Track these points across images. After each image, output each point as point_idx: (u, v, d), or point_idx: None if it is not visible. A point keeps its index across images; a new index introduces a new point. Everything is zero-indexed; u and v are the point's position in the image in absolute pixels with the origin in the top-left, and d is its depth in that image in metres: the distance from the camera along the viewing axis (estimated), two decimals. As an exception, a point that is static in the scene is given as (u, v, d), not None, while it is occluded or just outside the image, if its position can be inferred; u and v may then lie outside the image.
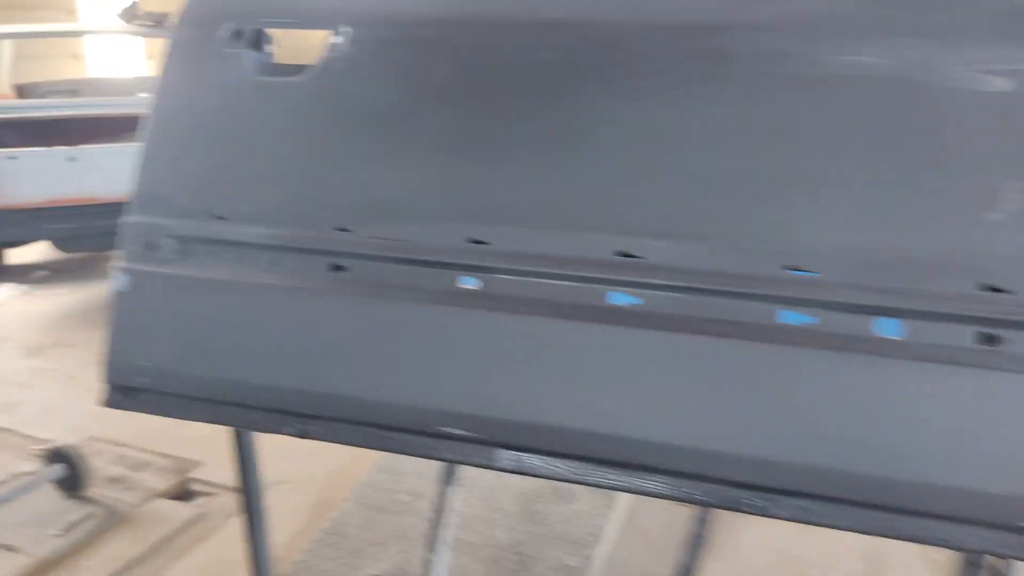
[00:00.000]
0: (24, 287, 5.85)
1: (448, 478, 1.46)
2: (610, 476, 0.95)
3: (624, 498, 2.92)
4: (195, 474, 3.38)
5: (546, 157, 1.07)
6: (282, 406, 1.13)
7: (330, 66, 1.22)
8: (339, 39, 1.23)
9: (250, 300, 1.16)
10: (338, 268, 1.14)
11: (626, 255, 1.01)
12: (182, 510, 3.15)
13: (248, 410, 1.14)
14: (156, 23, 6.47)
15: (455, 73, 1.17)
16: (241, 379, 1.15)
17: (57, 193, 4.95)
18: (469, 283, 1.06)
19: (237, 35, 1.29)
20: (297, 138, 1.22)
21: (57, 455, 3.18)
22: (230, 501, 3.18)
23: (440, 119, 1.17)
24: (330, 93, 1.22)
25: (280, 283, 1.15)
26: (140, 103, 6.50)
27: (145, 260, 1.22)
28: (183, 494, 3.30)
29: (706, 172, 1.01)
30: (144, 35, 6.68)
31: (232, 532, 2.98)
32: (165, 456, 3.50)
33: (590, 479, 0.97)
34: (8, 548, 2.85)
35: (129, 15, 6.38)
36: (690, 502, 1.00)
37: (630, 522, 2.84)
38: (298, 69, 1.26)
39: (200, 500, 3.23)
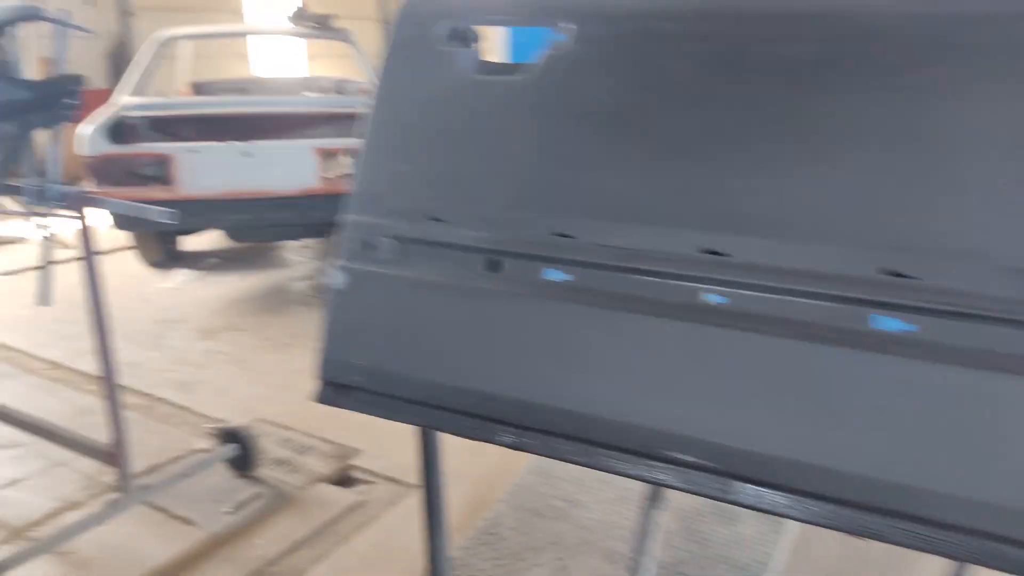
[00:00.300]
0: (198, 273, 6.27)
1: (654, 501, 1.39)
2: (892, 525, 0.85)
3: (793, 524, 2.75)
4: (355, 461, 3.47)
5: (805, 160, 0.97)
6: (497, 415, 1.09)
7: (552, 64, 1.17)
8: (562, 36, 1.18)
9: (466, 304, 1.13)
10: (559, 276, 1.09)
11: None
12: (344, 496, 3.24)
13: (462, 416, 1.11)
14: (321, 24, 6.77)
15: (692, 69, 1.09)
16: (455, 384, 1.12)
17: (232, 186, 5.25)
18: (714, 299, 0.98)
19: (454, 33, 1.27)
20: (515, 139, 1.18)
21: (230, 435, 3.35)
22: (388, 490, 3.25)
23: (670, 119, 1.09)
24: (551, 92, 1.17)
25: (497, 288, 1.12)
26: (309, 102, 6.79)
27: (362, 259, 1.22)
28: (344, 480, 3.40)
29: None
30: (310, 36, 7.00)
31: (391, 521, 3.05)
32: (327, 442, 3.62)
33: (854, 526, 0.86)
34: (186, 521, 3.03)
35: (297, 17, 6.70)
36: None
37: (800, 552, 2.66)
38: (516, 68, 1.22)
39: (360, 487, 3.31)
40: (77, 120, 2.42)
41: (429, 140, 1.23)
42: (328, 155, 5.52)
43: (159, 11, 10.53)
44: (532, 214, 1.12)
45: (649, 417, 0.98)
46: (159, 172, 5.21)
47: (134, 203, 2.51)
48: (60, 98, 2.36)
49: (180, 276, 6.16)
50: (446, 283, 1.15)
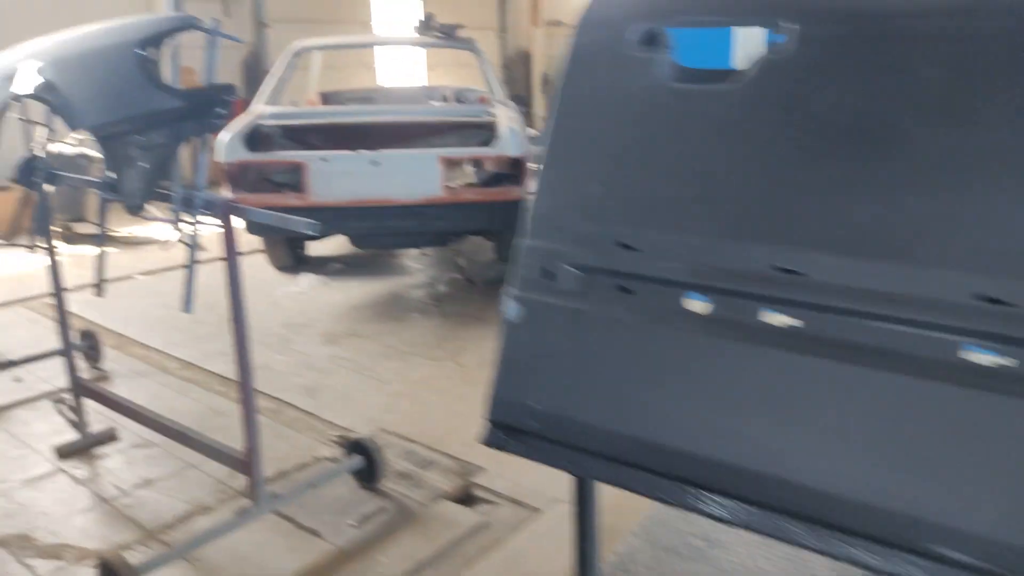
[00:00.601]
0: (322, 278, 6.38)
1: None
2: None
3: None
4: (478, 479, 3.37)
5: None
6: (701, 480, 0.93)
7: (771, 71, 1.00)
8: (781, 38, 1.01)
9: (663, 347, 0.98)
10: (783, 320, 0.91)
11: None
12: (467, 516, 3.14)
13: (658, 477, 0.96)
14: (447, 34, 6.78)
15: (948, 74, 0.89)
16: (650, 439, 0.97)
17: (359, 194, 5.30)
18: (992, 358, 0.78)
19: (648, 37, 1.12)
20: (725, 157, 1.01)
21: (356, 447, 3.32)
22: (512, 513, 3.13)
23: (923, 134, 0.89)
24: (769, 103, 1.00)
25: (703, 330, 0.95)
26: (435, 112, 6.78)
27: (540, 289, 1.08)
28: (466, 498, 3.31)
29: None
30: (437, 46, 7.03)
31: (518, 547, 2.92)
32: (449, 457, 3.54)
33: None
34: (312, 532, 3.00)
35: (425, 26, 6.74)
36: None
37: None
38: (724, 75, 1.05)
39: (483, 507, 3.21)
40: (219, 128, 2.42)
41: (620, 157, 1.09)
42: (452, 164, 5.49)
43: (291, 23, 10.93)
44: (747, 244, 0.96)
45: (909, 501, 0.80)
46: (292, 180, 5.33)
47: (279, 214, 2.50)
48: (212, 107, 2.37)
49: (306, 281, 6.28)
50: (639, 321, 1.00)
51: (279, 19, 10.86)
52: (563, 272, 1.07)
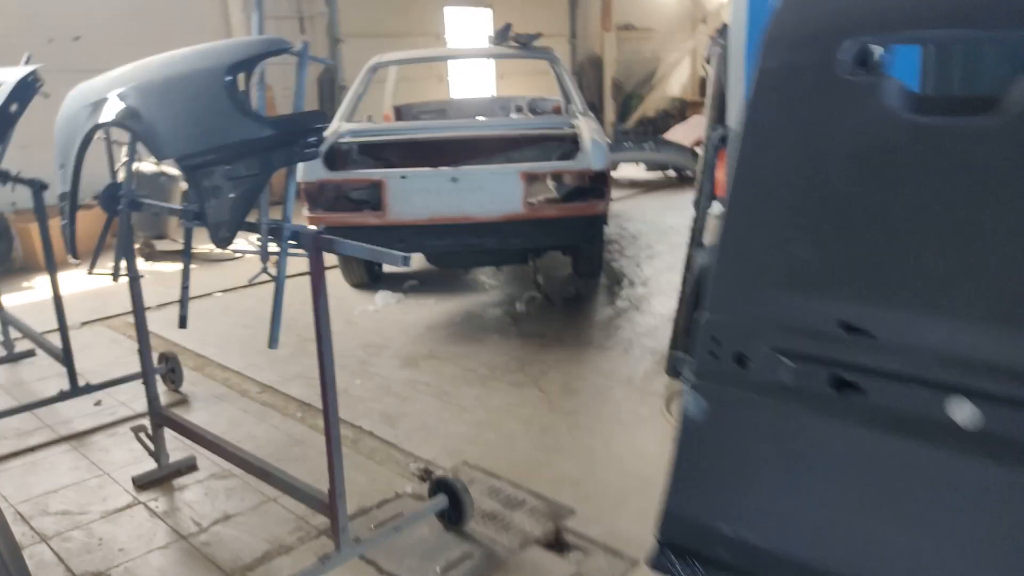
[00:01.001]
0: (398, 295, 6.26)
1: None
2: None
3: None
4: (569, 522, 3.15)
5: None
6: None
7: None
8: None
9: (915, 469, 0.74)
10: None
11: None
12: (559, 566, 2.93)
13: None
14: (524, 44, 6.60)
15: None
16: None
17: (438, 211, 5.15)
18: None
19: (863, 57, 0.88)
20: (997, 212, 0.77)
21: (441, 485, 3.13)
22: (608, 563, 2.90)
23: None
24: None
25: (975, 451, 0.71)
26: (516, 125, 6.55)
27: (729, 379, 0.86)
28: (557, 544, 3.09)
29: None
30: (515, 56, 6.86)
31: (617, 607, 2.69)
32: (537, 496, 3.33)
33: None
34: (397, 578, 2.83)
35: (501, 37, 6.57)
36: None
37: None
38: (979, 103, 0.80)
39: (575, 555, 2.98)
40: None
41: (839, 210, 0.85)
42: (533, 179, 5.30)
43: (365, 37, 10.94)
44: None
45: None
46: (370, 198, 5.21)
47: (371, 247, 2.33)
48: (303, 136, 2.22)
49: (381, 299, 6.17)
50: (874, 431, 0.76)
51: (353, 34, 10.88)
52: (762, 358, 0.84)
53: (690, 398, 0.90)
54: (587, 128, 5.46)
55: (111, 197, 3.14)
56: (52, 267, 4.01)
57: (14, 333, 5.07)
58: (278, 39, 2.26)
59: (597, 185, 5.28)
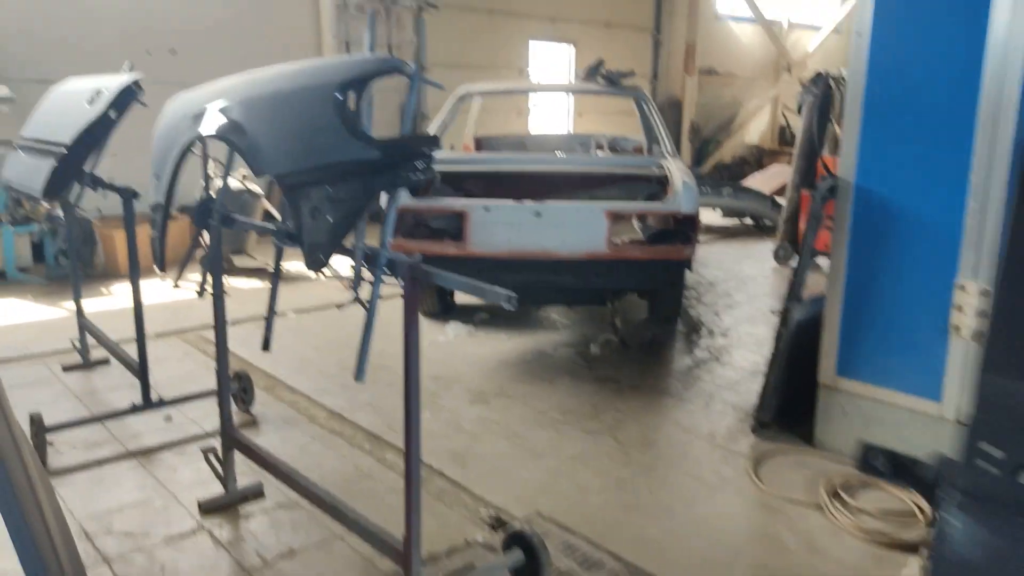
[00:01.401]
0: (468, 327, 6.13)
1: None
2: None
3: None
4: (651, 593, 2.92)
5: None
6: None
7: None
8: None
9: None
10: None
11: None
12: (642, 640, 2.69)
13: None
14: (613, 81, 6.48)
15: None
16: None
17: (519, 245, 5.02)
18: None
19: None
20: None
21: (517, 539, 2.94)
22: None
23: None
24: None
25: None
26: (605, 162, 6.36)
27: (1014, 499, 0.66)
28: (637, 614, 2.86)
29: None
30: (607, 93, 6.74)
31: None
32: (617, 558, 3.11)
33: None
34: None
35: (592, 73, 6.47)
36: None
37: None
38: None
39: (658, 631, 2.74)
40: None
41: None
42: (618, 219, 5.13)
43: (450, 67, 11.02)
44: None
45: None
46: (452, 228, 5.12)
47: (473, 282, 2.19)
48: (411, 161, 2.10)
49: (452, 330, 6.05)
50: None
51: (439, 64, 10.97)
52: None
53: (946, 519, 0.70)
54: (677, 170, 5.28)
55: (204, 212, 3.09)
56: (136, 277, 4.00)
57: (91, 340, 5.09)
58: (392, 59, 2.16)
59: (685, 229, 5.08)
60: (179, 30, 9.20)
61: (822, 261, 8.78)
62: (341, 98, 2.16)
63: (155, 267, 3.02)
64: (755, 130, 17.63)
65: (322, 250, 2.27)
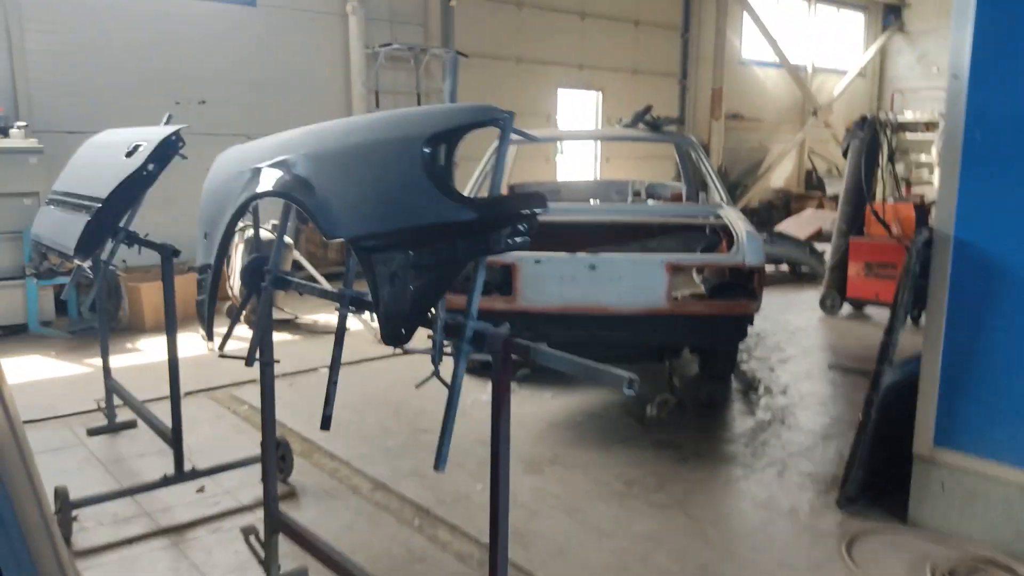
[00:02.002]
0: (512, 384, 5.79)
1: None
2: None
3: None
4: None
5: None
6: None
7: None
8: None
9: None
10: None
11: None
12: None
13: None
14: (657, 127, 6.25)
15: None
16: None
17: (572, 300, 4.73)
18: None
19: None
20: None
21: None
22: None
23: None
24: None
25: None
26: (662, 211, 6.00)
27: None
28: None
29: None
30: (652, 139, 6.50)
31: None
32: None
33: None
34: None
35: (638, 119, 6.24)
36: None
37: None
38: None
39: None
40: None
41: None
42: (678, 271, 4.83)
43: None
44: None
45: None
46: (501, 281, 4.83)
47: (589, 364, 1.89)
48: (514, 221, 1.81)
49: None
50: None
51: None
52: None
53: None
54: (738, 219, 5.00)
55: (255, 272, 2.82)
56: (173, 342, 3.71)
57: (117, 400, 4.81)
58: (491, 107, 1.89)
59: (749, 282, 4.77)
60: (208, 80, 9.11)
61: (871, 310, 8.51)
62: (430, 152, 1.89)
63: (201, 333, 2.74)
64: (781, 174, 17.41)
65: (402, 322, 1.98)
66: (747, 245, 4.66)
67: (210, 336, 2.70)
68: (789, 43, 16.90)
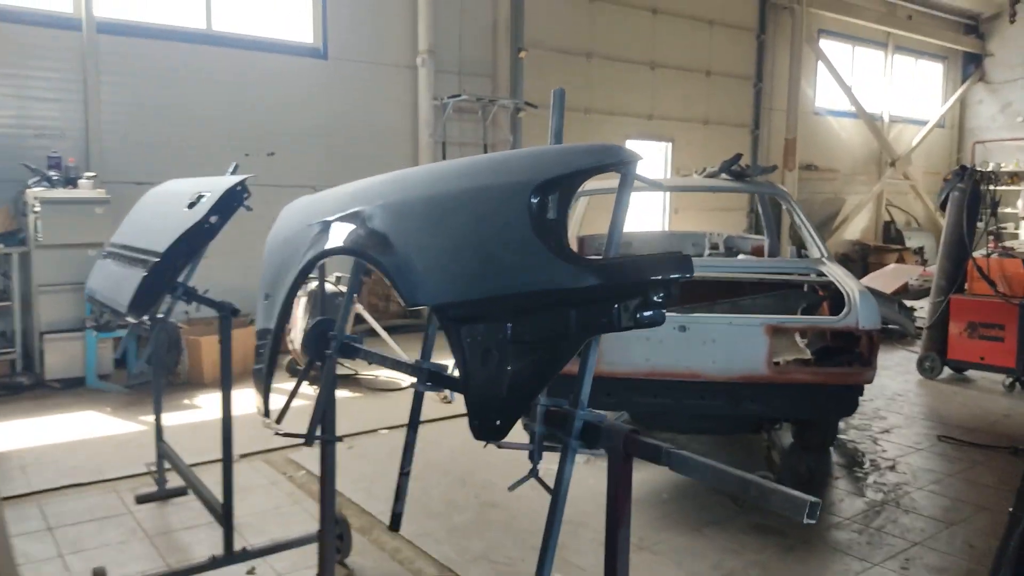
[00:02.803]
0: (584, 454, 5.33)
1: None
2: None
3: None
4: None
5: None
6: None
7: None
8: None
9: None
10: None
11: None
12: None
13: None
14: (745, 177, 5.82)
15: None
16: None
17: (659, 364, 4.28)
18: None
19: None
20: None
21: None
22: None
23: None
24: None
25: None
26: (760, 268, 5.38)
27: None
28: None
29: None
30: (742, 190, 6.08)
31: None
32: None
33: None
34: None
35: (725, 167, 5.83)
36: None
37: None
38: None
39: None
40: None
41: None
42: (779, 334, 4.35)
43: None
44: None
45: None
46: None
47: (743, 476, 1.47)
48: (644, 291, 1.42)
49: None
50: None
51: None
52: None
53: None
54: (846, 276, 4.52)
55: (319, 338, 2.49)
56: (228, 411, 3.39)
57: (168, 463, 4.52)
58: (614, 147, 1.53)
59: (860, 347, 4.26)
60: (277, 132, 9.06)
61: (973, 374, 7.79)
62: (539, 201, 1.53)
63: (259, 407, 2.41)
64: (858, 226, 16.67)
65: (498, 412, 1.59)
66: (860, 306, 4.16)
67: (267, 411, 2.36)
68: (865, 92, 16.33)
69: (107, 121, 7.94)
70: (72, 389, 6.93)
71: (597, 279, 1.44)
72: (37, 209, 6.69)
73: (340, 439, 2.60)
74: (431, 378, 2.09)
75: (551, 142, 1.87)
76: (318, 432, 2.52)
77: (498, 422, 1.59)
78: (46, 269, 6.82)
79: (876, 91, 16.93)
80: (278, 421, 2.67)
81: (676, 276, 1.42)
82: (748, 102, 14.42)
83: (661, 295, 1.42)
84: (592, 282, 1.44)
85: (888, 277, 11.60)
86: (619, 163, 1.52)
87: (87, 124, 7.80)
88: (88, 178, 7.05)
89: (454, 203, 1.69)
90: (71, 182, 7.02)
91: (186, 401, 6.70)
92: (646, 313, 1.42)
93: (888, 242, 16.89)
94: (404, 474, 2.12)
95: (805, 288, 5.01)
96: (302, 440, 2.45)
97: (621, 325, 1.43)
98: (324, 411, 2.48)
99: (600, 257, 1.59)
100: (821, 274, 4.75)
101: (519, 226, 1.52)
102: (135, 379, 7.04)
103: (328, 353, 2.42)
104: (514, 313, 1.54)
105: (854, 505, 4.59)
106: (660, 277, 1.42)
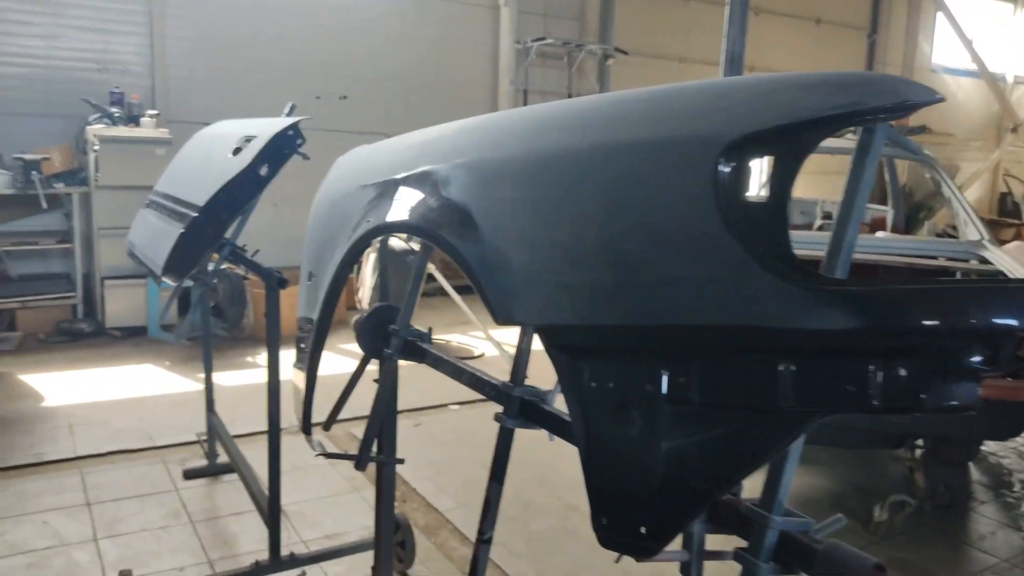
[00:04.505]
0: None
1: None
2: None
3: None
4: None
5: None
6: None
7: None
8: None
9: None
10: None
11: None
12: None
13: None
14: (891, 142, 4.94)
15: None
16: None
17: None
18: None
19: None
20: None
21: None
22: None
23: None
24: None
25: None
26: (903, 248, 4.46)
27: None
28: None
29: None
30: (893, 156, 5.21)
31: None
32: None
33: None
34: None
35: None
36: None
37: None
38: None
39: None
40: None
41: None
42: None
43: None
44: None
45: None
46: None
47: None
48: (950, 344, 0.76)
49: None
50: None
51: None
52: None
53: None
54: (1018, 266, 3.69)
55: (376, 330, 1.90)
56: (275, 405, 2.89)
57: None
58: (888, 79, 0.86)
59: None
60: (350, 76, 8.51)
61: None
62: (731, 170, 0.88)
63: (296, 418, 1.85)
64: (970, 197, 15.23)
65: (642, 515, 0.97)
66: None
67: (308, 428, 1.81)
68: (987, 50, 14.73)
69: (172, 56, 7.52)
70: (133, 338, 6.66)
71: (856, 318, 0.80)
72: (96, 148, 6.34)
73: (400, 461, 2.05)
74: (524, 410, 1.48)
75: (723, 67, 1.16)
76: (373, 451, 1.96)
77: (643, 530, 0.97)
78: (107, 211, 6.51)
79: (1000, 49, 15.27)
80: (326, 428, 2.13)
81: (1015, 323, 0.76)
82: (860, 55, 13.15)
83: (981, 356, 0.77)
84: (850, 323, 0.80)
85: (1014, 256, 10.41)
86: (896, 108, 0.86)
87: (152, 59, 7.40)
88: (151, 116, 6.66)
89: (579, 166, 1.03)
90: (133, 120, 6.64)
91: (249, 359, 6.33)
92: (951, 387, 0.78)
93: (1004, 215, 15.42)
94: (484, 542, 1.54)
95: (958, 276, 4.17)
96: (353, 462, 1.90)
97: (921, 406, 0.78)
98: (381, 426, 1.92)
99: (841, 278, 0.94)
100: (984, 260, 3.93)
101: (696, 211, 0.88)
102: (199, 330, 6.71)
103: (388, 353, 1.84)
104: (677, 355, 0.92)
105: (1008, 539, 3.83)
106: (984, 323, 0.76)
